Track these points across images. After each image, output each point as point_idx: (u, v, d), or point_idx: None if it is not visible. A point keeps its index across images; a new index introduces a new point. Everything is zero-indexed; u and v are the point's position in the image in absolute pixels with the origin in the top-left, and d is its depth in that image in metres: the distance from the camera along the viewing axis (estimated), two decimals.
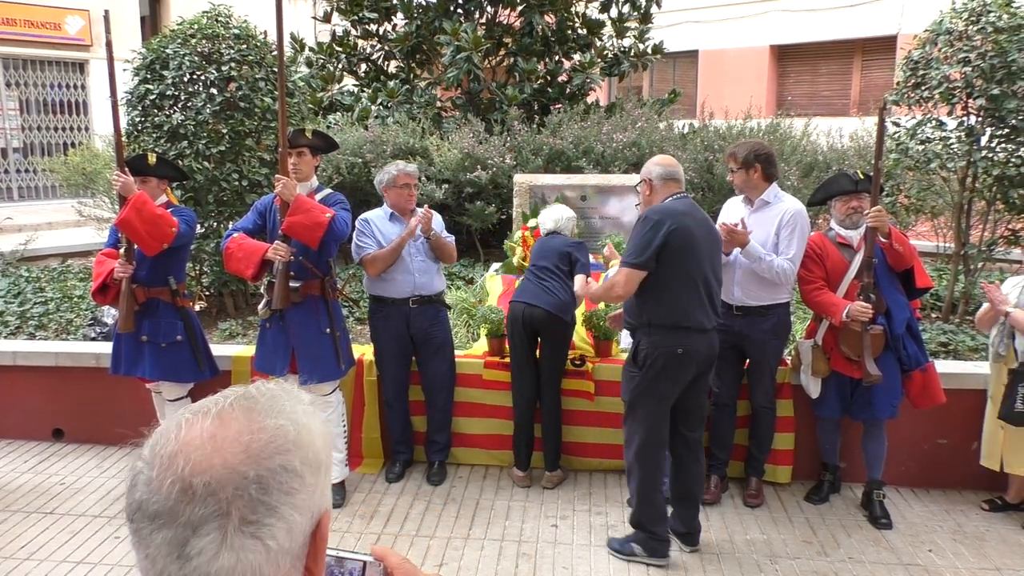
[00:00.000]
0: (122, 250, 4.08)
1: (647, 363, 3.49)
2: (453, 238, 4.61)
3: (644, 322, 3.53)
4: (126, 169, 4.02)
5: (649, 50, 9.29)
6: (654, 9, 9.29)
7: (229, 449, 0.79)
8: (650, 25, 9.35)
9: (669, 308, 3.45)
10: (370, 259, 4.33)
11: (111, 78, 4.02)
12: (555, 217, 4.67)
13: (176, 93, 5.74)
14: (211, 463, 0.78)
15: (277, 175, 3.94)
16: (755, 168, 4.12)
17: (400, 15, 9.03)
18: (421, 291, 4.43)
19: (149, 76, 5.78)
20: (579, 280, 4.23)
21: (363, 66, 9.63)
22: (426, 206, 4.42)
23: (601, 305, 4.87)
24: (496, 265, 6.30)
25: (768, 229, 4.08)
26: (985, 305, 4.17)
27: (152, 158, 4.20)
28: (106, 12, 4.12)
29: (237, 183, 5.77)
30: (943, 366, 4.39)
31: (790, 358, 4.43)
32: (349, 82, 9.58)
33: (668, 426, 3.61)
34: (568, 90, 8.87)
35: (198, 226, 5.73)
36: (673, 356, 3.45)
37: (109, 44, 3.98)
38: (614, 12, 9.27)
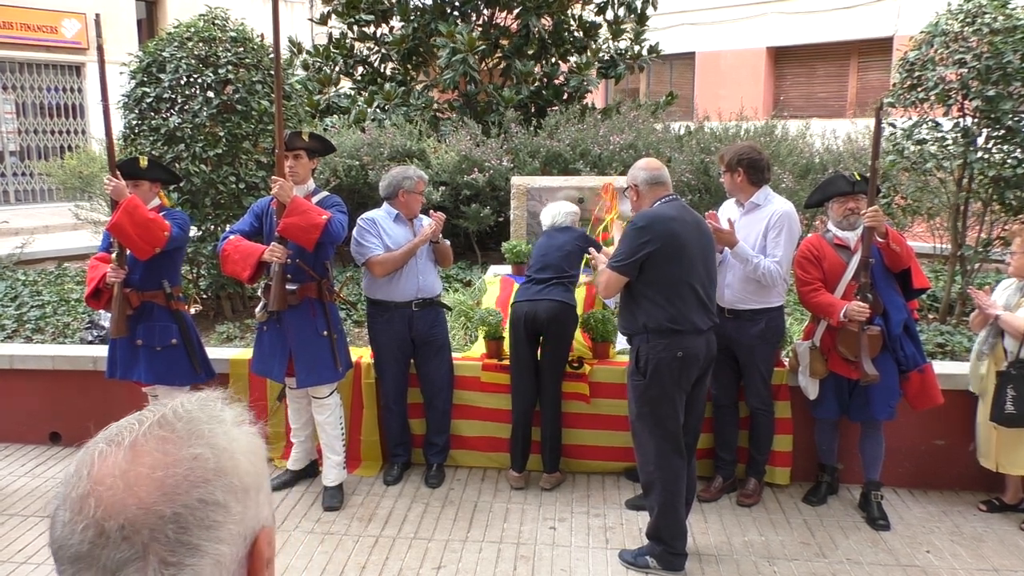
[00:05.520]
0: (114, 255, 4.06)
1: (649, 369, 3.47)
2: (448, 242, 4.63)
3: (640, 328, 3.51)
4: (118, 173, 4.01)
5: (645, 51, 9.30)
6: (650, 11, 9.31)
7: (143, 487, 0.74)
8: (646, 27, 9.37)
9: (663, 313, 3.44)
10: (379, 260, 4.30)
11: (102, 82, 4.01)
12: (552, 213, 4.68)
13: (173, 96, 5.73)
14: (124, 504, 0.73)
15: (273, 176, 3.95)
16: (738, 172, 4.13)
17: (397, 17, 9.04)
18: (424, 293, 4.44)
19: (146, 79, 5.77)
20: (601, 257, 4.01)
21: (360, 69, 9.63)
22: (440, 212, 4.44)
23: (599, 306, 4.87)
24: (495, 268, 6.30)
25: (756, 231, 4.09)
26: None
27: (144, 161, 4.19)
28: (97, 16, 4.13)
29: (234, 186, 5.76)
30: (940, 367, 4.39)
31: (788, 360, 4.44)
32: (346, 85, 9.57)
33: (681, 431, 3.57)
34: (565, 92, 8.88)
35: (195, 229, 5.75)
36: (674, 360, 3.44)
37: (100, 48, 3.98)
38: (610, 15, 9.28)
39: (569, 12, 9.23)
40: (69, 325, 5.98)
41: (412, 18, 8.81)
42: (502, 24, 9.16)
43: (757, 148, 4.22)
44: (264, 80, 5.89)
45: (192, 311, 5.64)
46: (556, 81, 9.08)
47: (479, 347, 4.84)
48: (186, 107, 5.70)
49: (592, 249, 4.25)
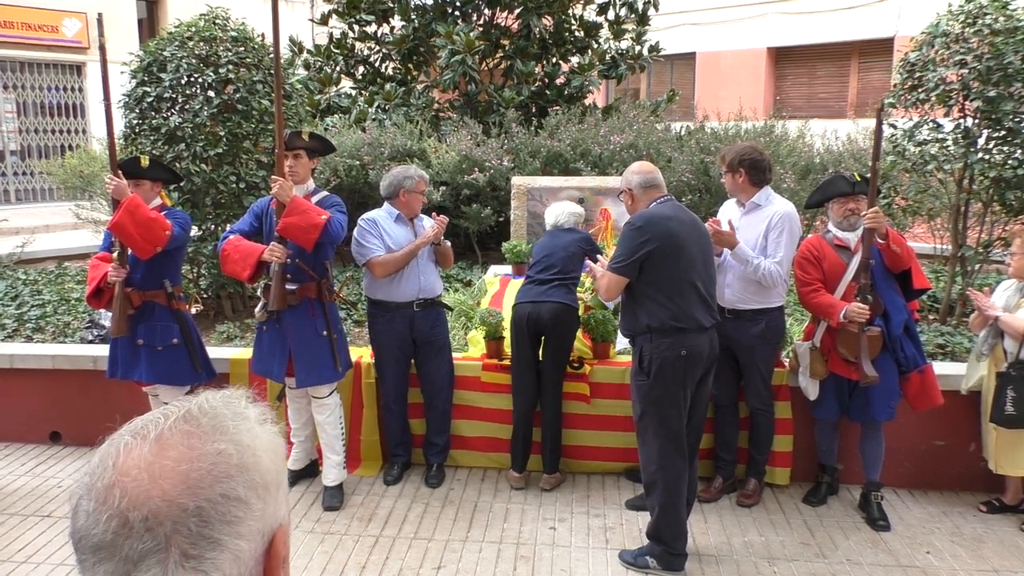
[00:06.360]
0: (115, 254, 4.06)
1: (653, 368, 3.47)
2: (449, 243, 4.63)
3: (643, 328, 3.51)
4: (119, 172, 4.02)
5: (646, 51, 9.31)
6: (651, 11, 9.31)
7: (167, 480, 0.76)
8: (647, 28, 9.37)
9: (665, 311, 3.44)
10: (381, 261, 4.30)
11: (104, 81, 4.01)
12: (556, 213, 4.66)
13: (173, 95, 5.72)
14: (149, 496, 0.75)
15: (273, 176, 3.95)
16: (740, 172, 4.13)
17: (397, 17, 9.04)
18: (425, 294, 4.44)
19: (147, 78, 5.77)
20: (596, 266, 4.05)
21: (360, 68, 9.63)
22: (443, 216, 4.44)
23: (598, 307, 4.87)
24: (495, 268, 6.30)
25: (757, 231, 4.09)
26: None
27: (145, 161, 4.19)
28: (99, 16, 4.14)
29: (234, 185, 5.76)
30: (940, 368, 4.40)
31: (788, 360, 4.44)
32: (347, 84, 9.57)
33: (684, 431, 3.56)
34: (566, 92, 8.88)
35: (195, 229, 5.74)
36: (678, 358, 3.44)
37: (102, 47, 3.98)
38: (611, 15, 9.29)
39: (570, 12, 9.23)
40: (69, 324, 5.98)
41: (412, 18, 8.81)
42: (503, 24, 9.16)
43: (759, 148, 4.22)
44: (265, 80, 5.88)
45: (193, 311, 5.64)
46: (557, 81, 9.08)
47: (479, 346, 4.83)
48: (187, 106, 5.69)
49: (588, 260, 4.23)
